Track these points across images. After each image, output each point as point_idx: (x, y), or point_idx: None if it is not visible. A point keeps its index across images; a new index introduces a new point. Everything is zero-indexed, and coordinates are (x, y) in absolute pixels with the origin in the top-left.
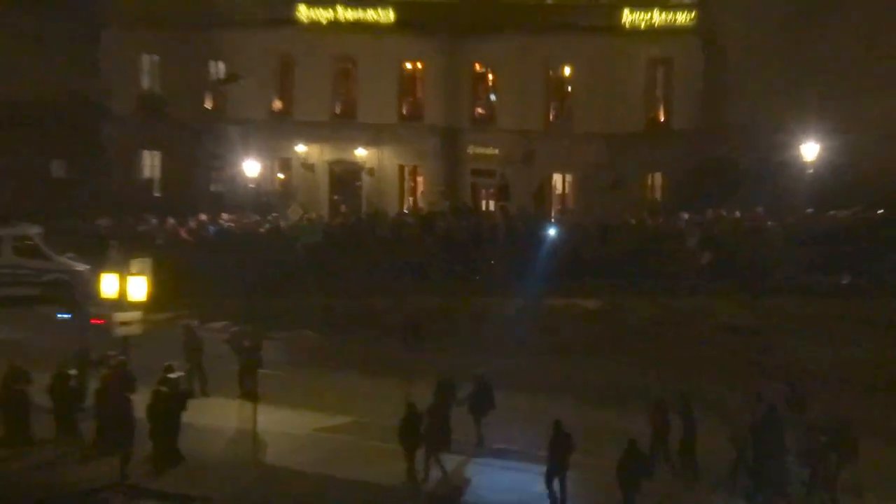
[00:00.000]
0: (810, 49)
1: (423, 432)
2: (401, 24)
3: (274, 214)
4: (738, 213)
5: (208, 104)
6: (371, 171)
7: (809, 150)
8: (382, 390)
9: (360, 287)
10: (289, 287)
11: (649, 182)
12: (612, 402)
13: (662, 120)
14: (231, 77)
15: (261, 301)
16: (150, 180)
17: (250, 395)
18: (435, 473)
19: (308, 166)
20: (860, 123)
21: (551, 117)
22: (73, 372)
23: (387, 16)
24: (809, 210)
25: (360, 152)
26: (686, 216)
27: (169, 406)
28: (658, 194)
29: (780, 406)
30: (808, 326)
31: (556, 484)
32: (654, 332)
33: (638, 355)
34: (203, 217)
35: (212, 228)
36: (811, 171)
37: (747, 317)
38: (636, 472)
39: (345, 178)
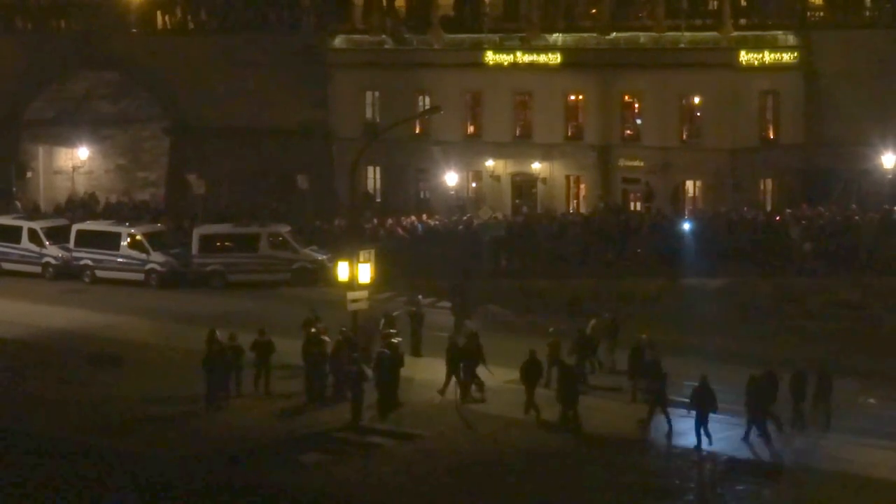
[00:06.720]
0: (892, 79)
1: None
2: (566, 65)
3: (468, 215)
4: (835, 210)
5: (416, 129)
6: (544, 180)
7: (888, 160)
8: None
9: (533, 271)
10: (479, 271)
11: (762, 186)
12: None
13: (772, 137)
14: (434, 108)
15: (457, 282)
16: (373, 190)
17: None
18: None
19: (495, 177)
20: None
21: (684, 136)
22: (325, 338)
23: (555, 58)
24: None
25: (536, 165)
26: (789, 212)
27: (390, 364)
28: (769, 196)
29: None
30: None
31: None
32: (772, 306)
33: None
34: (413, 218)
35: (420, 226)
36: (890, 176)
37: (848, 293)
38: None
39: (523, 185)
